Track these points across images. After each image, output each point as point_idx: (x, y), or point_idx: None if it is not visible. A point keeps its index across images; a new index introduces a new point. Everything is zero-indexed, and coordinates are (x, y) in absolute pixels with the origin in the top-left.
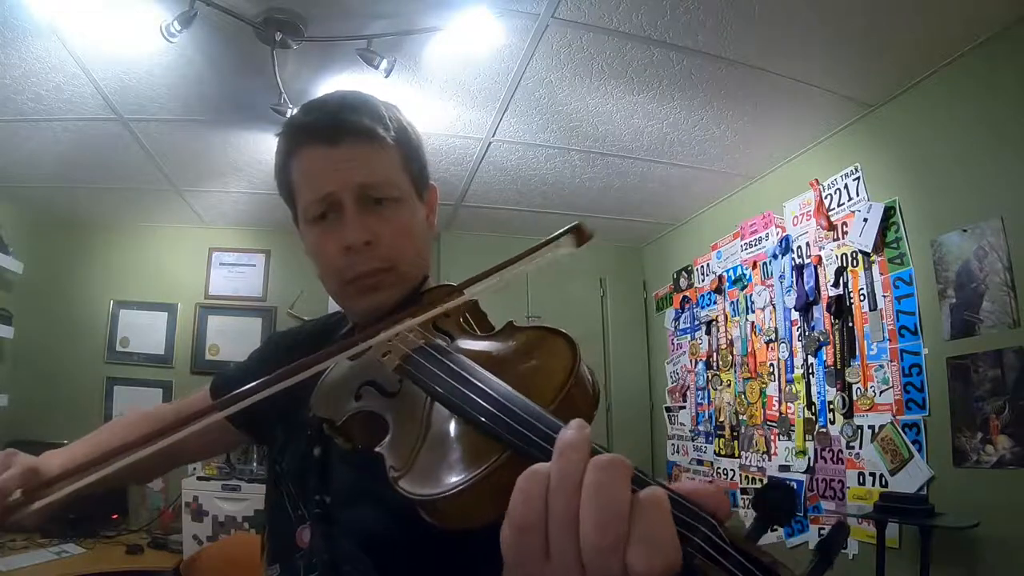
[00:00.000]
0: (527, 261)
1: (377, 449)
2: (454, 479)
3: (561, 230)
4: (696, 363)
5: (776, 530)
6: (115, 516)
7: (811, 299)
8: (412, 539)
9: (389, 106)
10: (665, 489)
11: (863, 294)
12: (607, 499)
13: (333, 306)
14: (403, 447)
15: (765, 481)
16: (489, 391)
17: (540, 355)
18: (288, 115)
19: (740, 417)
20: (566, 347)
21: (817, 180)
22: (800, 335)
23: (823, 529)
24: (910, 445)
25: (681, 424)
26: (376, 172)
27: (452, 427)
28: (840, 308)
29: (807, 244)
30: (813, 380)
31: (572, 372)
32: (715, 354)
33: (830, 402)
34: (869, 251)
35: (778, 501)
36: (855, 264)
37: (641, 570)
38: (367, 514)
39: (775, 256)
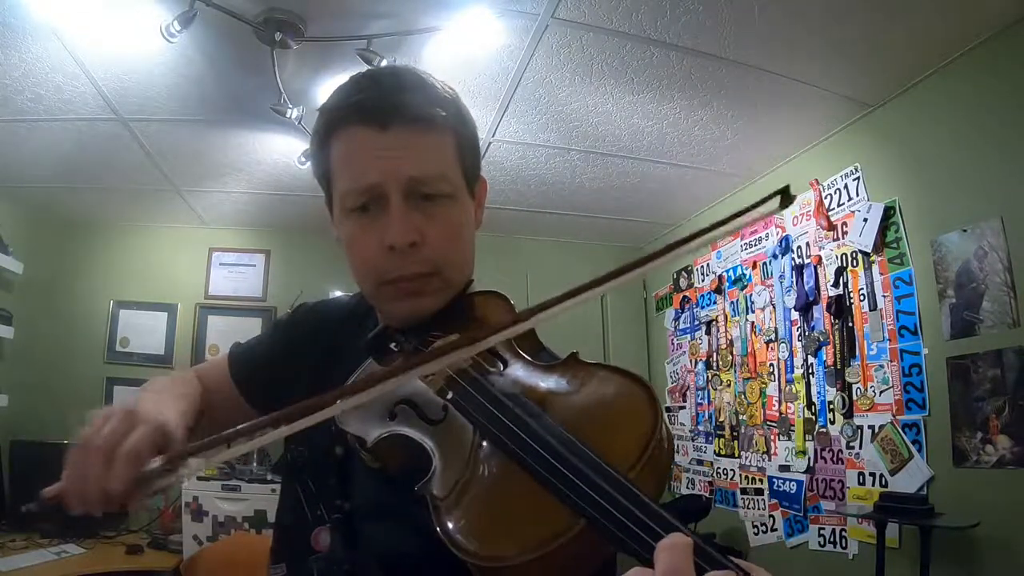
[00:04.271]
0: (726, 228)
1: (419, 490)
2: (516, 547)
3: (770, 195)
4: (696, 363)
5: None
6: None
7: (811, 299)
8: (434, 566)
9: (447, 86)
10: None
11: (863, 294)
12: None
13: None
14: (450, 491)
15: (766, 481)
16: (565, 451)
17: (615, 407)
18: (288, 115)
19: (740, 417)
20: (645, 399)
21: (817, 180)
22: (800, 335)
23: (823, 529)
24: (910, 445)
25: (681, 424)
26: (428, 164)
27: (512, 480)
28: (840, 308)
29: (807, 244)
30: (813, 380)
31: (654, 432)
32: (715, 354)
33: (830, 402)
34: (869, 251)
35: None
36: (855, 264)
37: None
38: (389, 530)
39: (775, 256)
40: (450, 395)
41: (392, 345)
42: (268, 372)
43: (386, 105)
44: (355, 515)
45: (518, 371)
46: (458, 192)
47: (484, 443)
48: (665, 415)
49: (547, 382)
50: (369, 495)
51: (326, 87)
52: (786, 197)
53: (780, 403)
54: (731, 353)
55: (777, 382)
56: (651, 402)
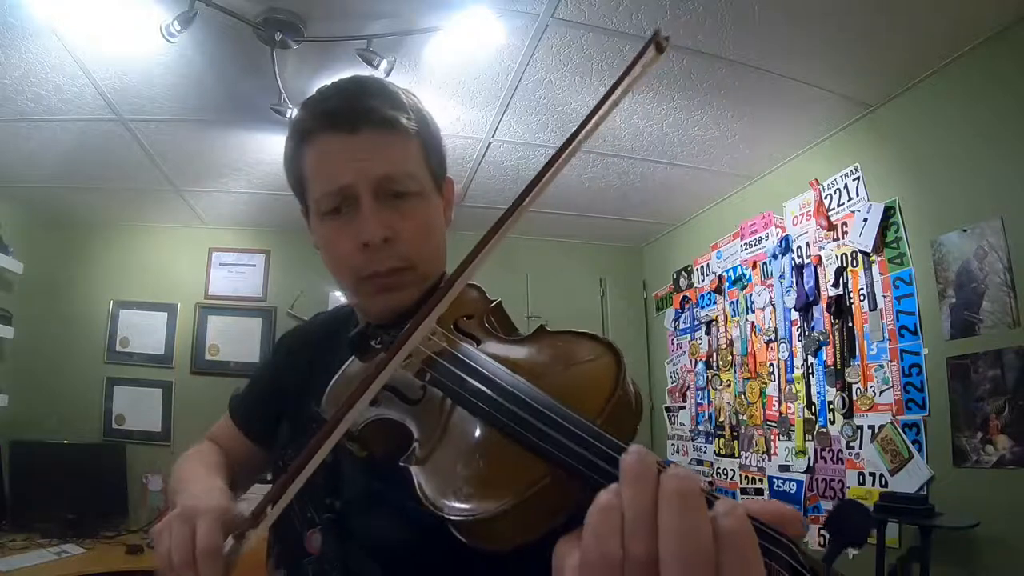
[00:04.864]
0: (612, 101)
1: (402, 463)
2: (495, 499)
3: (643, 47)
4: (696, 363)
5: (851, 553)
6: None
7: (811, 299)
8: (428, 551)
9: (408, 93)
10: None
11: (863, 294)
12: (691, 539)
13: (333, 306)
14: (431, 459)
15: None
16: (533, 403)
17: (581, 364)
18: (288, 115)
19: (740, 417)
20: (608, 355)
21: (817, 180)
22: (800, 335)
23: (823, 529)
24: (910, 445)
25: (681, 424)
26: (397, 164)
27: (487, 439)
28: (840, 308)
29: (807, 244)
30: (813, 380)
31: (617, 383)
32: (715, 354)
33: (830, 402)
34: (869, 251)
35: (854, 521)
36: (855, 264)
37: None
38: (381, 523)
39: (775, 256)
40: (428, 376)
41: (373, 342)
42: (265, 406)
43: (353, 110)
44: (345, 513)
45: (491, 347)
46: (427, 190)
47: (461, 412)
48: (628, 370)
49: (518, 351)
50: (358, 489)
51: None
52: (659, 42)
53: (780, 403)
54: (731, 353)
55: (777, 382)
56: (613, 357)
